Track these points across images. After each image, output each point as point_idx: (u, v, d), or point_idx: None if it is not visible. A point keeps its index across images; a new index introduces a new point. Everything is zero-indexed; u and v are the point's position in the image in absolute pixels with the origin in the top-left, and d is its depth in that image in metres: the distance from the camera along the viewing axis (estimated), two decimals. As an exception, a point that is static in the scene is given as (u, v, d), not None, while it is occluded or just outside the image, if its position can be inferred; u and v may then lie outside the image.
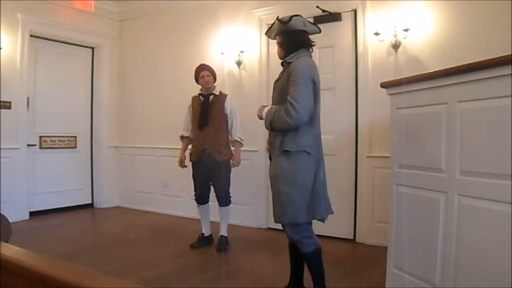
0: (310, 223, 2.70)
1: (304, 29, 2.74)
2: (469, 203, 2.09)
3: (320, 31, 2.87)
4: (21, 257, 1.00)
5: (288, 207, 2.57)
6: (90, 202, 6.36)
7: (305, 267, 2.84)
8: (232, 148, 4.25)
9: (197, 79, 4.21)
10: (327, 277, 2.81)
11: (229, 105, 4.18)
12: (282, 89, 2.65)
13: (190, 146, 4.33)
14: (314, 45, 2.81)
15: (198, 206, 4.31)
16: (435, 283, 2.31)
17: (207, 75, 4.13)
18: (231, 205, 4.27)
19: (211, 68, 4.22)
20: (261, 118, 2.75)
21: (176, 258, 3.86)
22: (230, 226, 4.33)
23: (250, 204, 5.11)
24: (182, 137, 4.36)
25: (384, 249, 2.93)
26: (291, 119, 2.49)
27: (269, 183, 2.80)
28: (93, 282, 0.85)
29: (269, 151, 2.87)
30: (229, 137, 4.22)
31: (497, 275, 1.91)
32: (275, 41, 2.88)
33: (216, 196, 4.21)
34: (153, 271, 3.49)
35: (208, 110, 4.13)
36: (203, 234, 4.31)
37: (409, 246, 2.57)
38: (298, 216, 2.58)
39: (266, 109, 2.70)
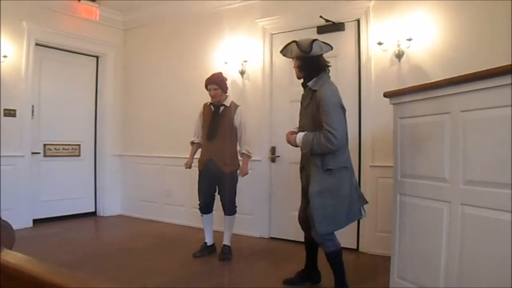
0: None
1: (321, 53, 3.02)
2: (473, 213, 2.09)
3: (332, 49, 3.12)
4: (24, 264, 1.01)
5: (334, 217, 2.87)
6: (93, 210, 6.35)
7: (318, 255, 3.31)
8: (241, 159, 4.25)
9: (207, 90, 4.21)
10: (332, 283, 3.01)
11: (239, 117, 4.17)
12: (313, 116, 2.94)
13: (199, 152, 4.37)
14: (330, 66, 3.11)
15: (201, 215, 4.30)
16: (438, 293, 2.30)
17: (214, 89, 4.10)
18: (235, 214, 4.27)
19: (220, 79, 4.17)
20: (294, 145, 3.08)
21: (178, 267, 3.85)
22: (232, 236, 4.32)
23: (253, 214, 5.09)
24: (192, 143, 4.40)
25: (387, 258, 2.92)
26: (333, 145, 2.80)
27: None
28: (95, 289, 0.86)
29: (302, 163, 3.20)
30: (238, 147, 4.24)
31: (501, 285, 1.89)
32: (279, 48, 3.19)
33: (222, 205, 4.21)
34: (155, 279, 3.48)
35: (217, 121, 4.14)
36: (206, 243, 4.29)
37: (412, 255, 2.56)
38: (342, 223, 2.94)
39: (300, 136, 2.98)
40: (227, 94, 4.24)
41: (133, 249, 4.45)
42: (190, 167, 4.34)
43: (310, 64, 3.02)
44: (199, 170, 4.25)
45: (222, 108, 4.18)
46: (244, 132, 4.18)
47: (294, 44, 3.03)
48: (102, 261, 3.97)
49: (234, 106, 4.22)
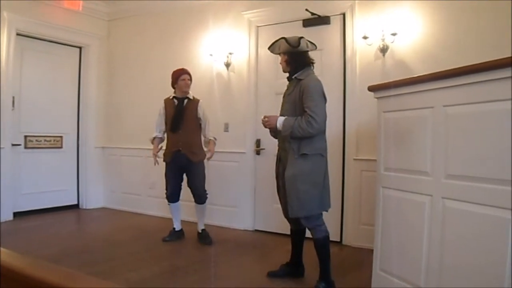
0: (321, 213, 3.11)
1: (307, 49, 3.17)
2: (454, 206, 2.12)
3: (316, 48, 3.26)
4: (4, 257, 0.99)
5: (306, 203, 2.97)
6: (75, 203, 6.28)
7: (303, 249, 3.41)
8: (205, 149, 4.43)
9: (175, 82, 4.35)
10: (315, 277, 3.08)
11: (202, 110, 4.37)
12: (295, 103, 3.06)
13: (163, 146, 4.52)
14: (314, 63, 3.23)
15: (169, 204, 4.50)
16: (420, 285, 2.33)
17: (188, 79, 4.31)
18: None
19: (190, 73, 4.39)
20: (273, 127, 3.10)
21: (161, 260, 3.84)
22: (216, 228, 4.35)
23: (237, 206, 5.10)
24: (154, 138, 4.50)
25: (370, 251, 2.96)
26: (313, 129, 2.91)
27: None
28: (77, 283, 0.84)
29: (278, 154, 3.29)
30: (203, 138, 4.43)
31: (481, 277, 1.93)
32: (265, 41, 3.23)
33: (193, 194, 4.39)
34: (138, 273, 3.46)
35: (182, 113, 4.31)
36: (174, 228, 4.53)
37: (394, 248, 2.59)
38: (314, 209, 3.02)
39: (281, 120, 3.05)
40: None
41: (116, 242, 4.42)
42: (157, 155, 4.40)
43: (297, 58, 3.15)
44: (166, 162, 4.41)
45: (186, 101, 4.35)
46: (208, 122, 4.39)
47: (282, 40, 3.18)
48: (84, 255, 3.93)
49: (196, 100, 4.41)
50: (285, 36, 3.21)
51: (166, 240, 4.42)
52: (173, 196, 4.44)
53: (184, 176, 4.45)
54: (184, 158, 4.27)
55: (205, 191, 4.43)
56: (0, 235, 4.21)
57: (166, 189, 4.45)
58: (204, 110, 4.38)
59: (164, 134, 4.50)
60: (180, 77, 4.29)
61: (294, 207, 3.00)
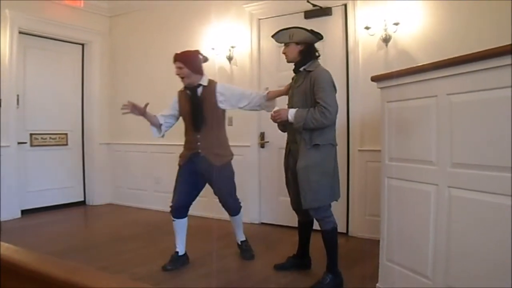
0: (330, 205, 3.10)
1: (318, 41, 3.14)
2: (460, 195, 2.11)
3: (322, 38, 3.19)
4: (11, 254, 0.99)
5: (319, 193, 2.97)
6: (82, 199, 6.32)
7: (310, 241, 3.43)
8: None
9: None
10: (322, 269, 3.10)
11: (224, 91, 3.51)
12: (305, 95, 3.03)
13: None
14: (320, 55, 3.20)
15: (173, 220, 3.56)
16: (427, 274, 2.33)
17: (179, 67, 3.43)
18: (217, 200, 3.68)
19: (189, 57, 3.50)
20: (284, 120, 3.05)
21: (168, 255, 3.83)
22: (222, 222, 4.32)
23: (242, 199, 5.01)
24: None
25: (376, 242, 2.95)
26: (326, 120, 2.90)
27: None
28: (85, 278, 0.85)
29: (288, 147, 3.28)
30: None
31: (488, 266, 1.93)
32: (267, 33, 3.14)
33: (222, 205, 3.67)
34: (145, 268, 3.49)
35: (199, 106, 3.46)
36: (177, 252, 3.57)
37: (401, 238, 2.59)
38: (326, 200, 3.02)
39: (292, 112, 3.01)
40: (203, 74, 3.54)
41: (122, 238, 4.45)
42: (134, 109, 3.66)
43: (311, 50, 3.13)
44: (180, 166, 3.58)
45: (200, 89, 3.49)
46: (245, 94, 3.55)
47: (299, 29, 3.08)
48: (91, 251, 3.96)
49: (213, 84, 3.53)
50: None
51: (168, 268, 3.44)
52: (179, 209, 3.51)
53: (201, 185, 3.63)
54: (204, 163, 3.44)
55: (237, 200, 3.68)
56: (0, 231, 4.25)
57: (172, 200, 3.54)
58: (226, 90, 3.51)
59: (165, 127, 3.70)
60: (174, 64, 3.48)
61: (307, 198, 2.98)
